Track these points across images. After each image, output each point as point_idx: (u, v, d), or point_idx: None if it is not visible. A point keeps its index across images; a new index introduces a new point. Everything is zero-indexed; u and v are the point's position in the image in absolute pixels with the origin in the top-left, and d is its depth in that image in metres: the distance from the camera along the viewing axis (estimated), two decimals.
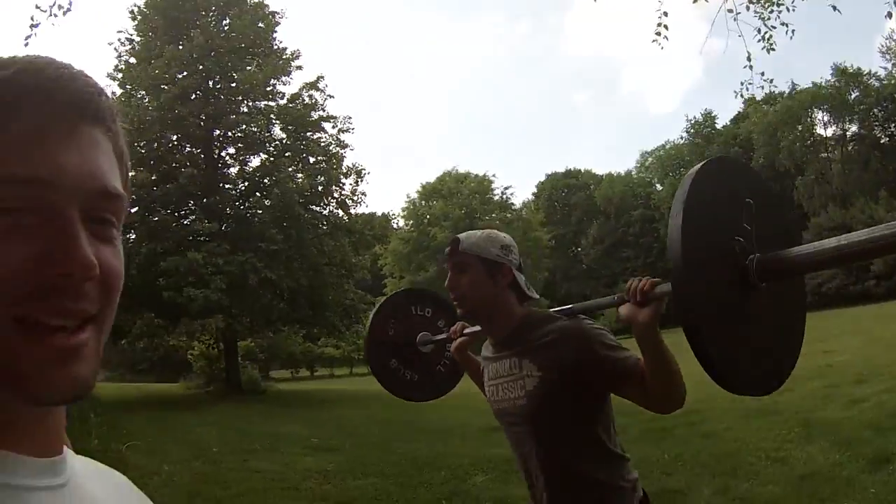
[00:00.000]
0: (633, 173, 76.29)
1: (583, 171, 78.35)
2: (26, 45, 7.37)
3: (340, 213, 23.46)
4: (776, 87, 9.35)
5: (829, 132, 58.44)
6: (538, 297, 2.57)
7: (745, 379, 1.92)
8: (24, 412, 0.63)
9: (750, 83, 9.03)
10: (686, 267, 1.73)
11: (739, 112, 65.61)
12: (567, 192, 75.80)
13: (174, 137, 21.50)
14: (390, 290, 49.44)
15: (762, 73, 8.94)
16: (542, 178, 79.03)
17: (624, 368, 2.25)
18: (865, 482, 6.04)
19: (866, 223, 41.55)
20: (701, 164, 1.83)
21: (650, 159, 74.66)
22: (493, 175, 58.38)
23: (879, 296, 40.17)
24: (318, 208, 22.89)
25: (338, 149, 23.27)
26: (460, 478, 8.12)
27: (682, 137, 69.21)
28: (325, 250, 21.50)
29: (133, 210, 20.33)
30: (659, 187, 70.76)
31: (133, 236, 20.02)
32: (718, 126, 66.31)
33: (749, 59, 8.35)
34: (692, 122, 70.57)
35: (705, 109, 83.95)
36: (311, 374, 45.18)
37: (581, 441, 2.40)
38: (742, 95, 9.32)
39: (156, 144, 20.77)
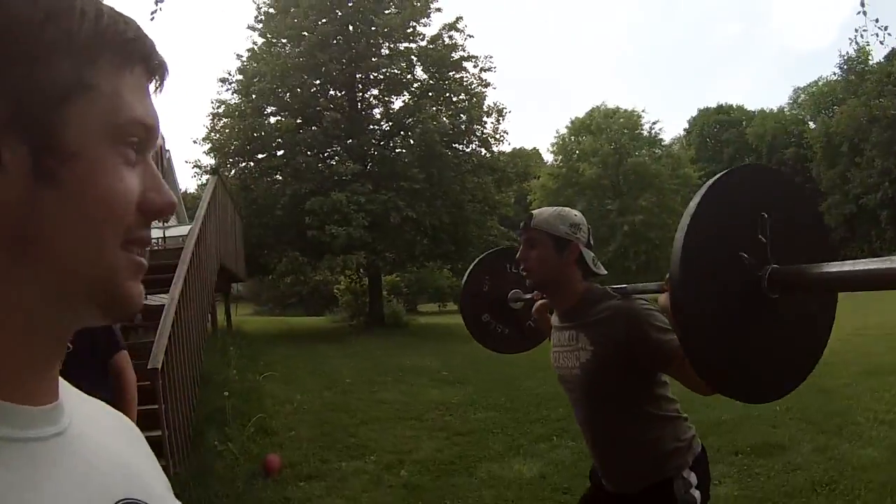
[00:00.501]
0: (785, 110, 72.81)
1: (734, 106, 75.52)
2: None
3: (483, 151, 23.60)
4: None
5: None
6: (605, 272, 2.71)
7: (739, 387, 1.96)
8: (39, 355, 0.66)
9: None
10: (683, 283, 1.77)
11: (893, 49, 61.51)
12: (719, 129, 73.25)
13: (317, 82, 21.98)
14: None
15: None
16: (694, 114, 76.89)
17: (669, 350, 2.34)
18: None
19: None
20: (719, 175, 1.85)
21: (802, 96, 70.87)
22: (643, 110, 57.08)
23: None
24: (460, 147, 23.04)
25: (480, 88, 23.35)
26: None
27: (834, 74, 65.36)
28: (468, 188, 21.77)
29: (279, 153, 21.15)
30: (812, 125, 67.43)
31: (279, 178, 20.90)
32: (871, 63, 62.32)
33: None
34: (845, 57, 66.78)
35: (858, 45, 78.99)
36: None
37: (630, 409, 2.57)
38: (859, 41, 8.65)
39: (299, 90, 21.30)
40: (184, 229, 14.62)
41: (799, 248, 1.91)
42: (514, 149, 68.27)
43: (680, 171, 49.02)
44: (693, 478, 2.53)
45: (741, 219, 1.83)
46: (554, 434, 7.43)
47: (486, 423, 8.13)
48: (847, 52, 62.26)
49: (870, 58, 61.44)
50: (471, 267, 3.44)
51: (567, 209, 2.68)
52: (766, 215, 1.82)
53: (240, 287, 46.75)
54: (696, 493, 2.53)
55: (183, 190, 29.81)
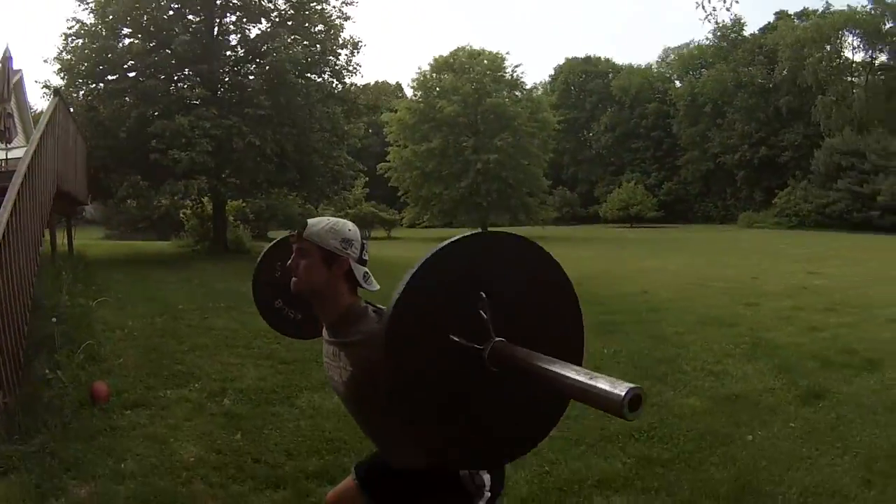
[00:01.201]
0: (653, 67, 75.09)
1: (603, 59, 77.23)
2: None
3: (335, 82, 23.42)
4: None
5: (858, 58, 56.83)
6: (377, 288, 2.67)
7: (458, 458, 2.05)
8: None
9: None
10: (392, 354, 1.84)
11: (769, 23, 64.27)
12: (584, 78, 74.88)
13: (175, 6, 21.30)
14: (393, 158, 50.01)
15: None
16: (561, 62, 78.18)
17: None
18: (789, 414, 6.10)
19: (879, 153, 40.95)
20: (445, 243, 1.86)
21: (672, 56, 73.34)
22: (507, 53, 57.36)
23: (881, 227, 39.88)
24: (312, 76, 22.72)
25: (339, 20, 23.02)
26: None
27: (707, 39, 67.68)
28: (316, 117, 21.57)
29: (130, 75, 20.38)
30: (678, 84, 69.84)
31: (127, 100, 20.11)
32: (746, 34, 64.90)
33: None
34: (720, 24, 69.15)
35: (734, 15, 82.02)
36: None
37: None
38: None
39: (156, 13, 20.63)
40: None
41: (543, 318, 2.01)
42: (376, 82, 67.79)
43: (539, 114, 49.84)
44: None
45: (460, 295, 1.87)
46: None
47: (311, 352, 8.11)
48: (723, 21, 64.53)
49: (744, 28, 63.92)
50: (262, 253, 3.39)
51: (342, 223, 2.68)
52: (483, 295, 1.87)
53: (91, 211, 45.17)
54: (486, 476, 2.61)
55: (35, 111, 28.31)
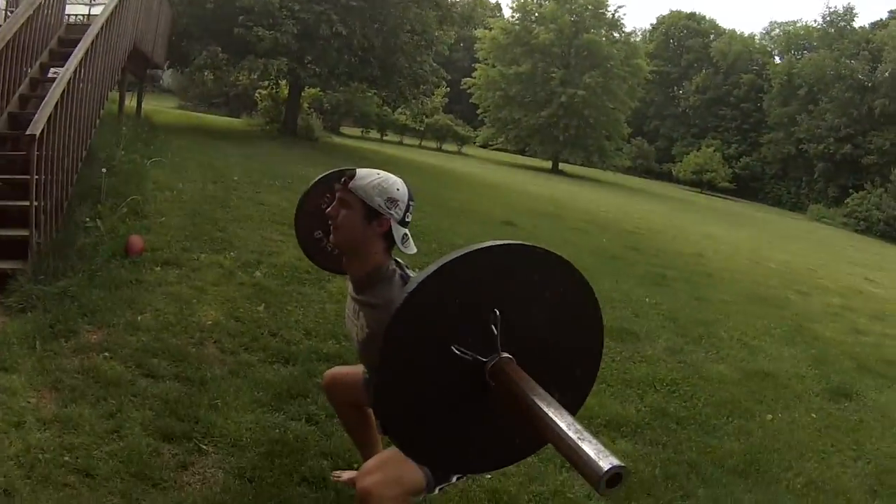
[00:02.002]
0: (755, 38, 72.90)
1: (707, 18, 75.27)
2: None
3: None
4: None
5: None
6: (414, 251, 2.61)
7: (452, 461, 2.02)
8: None
9: None
10: (385, 373, 1.79)
11: (880, 19, 61.77)
12: (685, 34, 73.00)
13: None
14: (479, 75, 49.59)
15: None
16: (665, 13, 76.37)
17: None
18: (813, 404, 5.94)
19: None
20: (454, 256, 1.76)
21: (777, 30, 71.08)
22: None
23: None
24: None
25: None
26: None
27: (815, 21, 65.46)
28: (408, 18, 21.19)
29: None
30: (777, 60, 67.79)
31: None
32: (855, 25, 62.55)
33: None
34: (831, 10, 66.86)
35: (848, 3, 79.34)
36: (381, 137, 45.11)
37: None
38: None
39: None
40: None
41: (561, 336, 1.95)
42: None
43: (633, 60, 48.85)
44: None
45: (476, 300, 1.80)
46: (423, 264, 7.46)
47: None
48: (834, 7, 62.40)
49: (854, 18, 61.68)
50: (312, 183, 3.33)
51: (392, 180, 2.59)
52: (497, 312, 1.79)
53: (168, 80, 45.55)
54: None
55: None
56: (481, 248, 1.76)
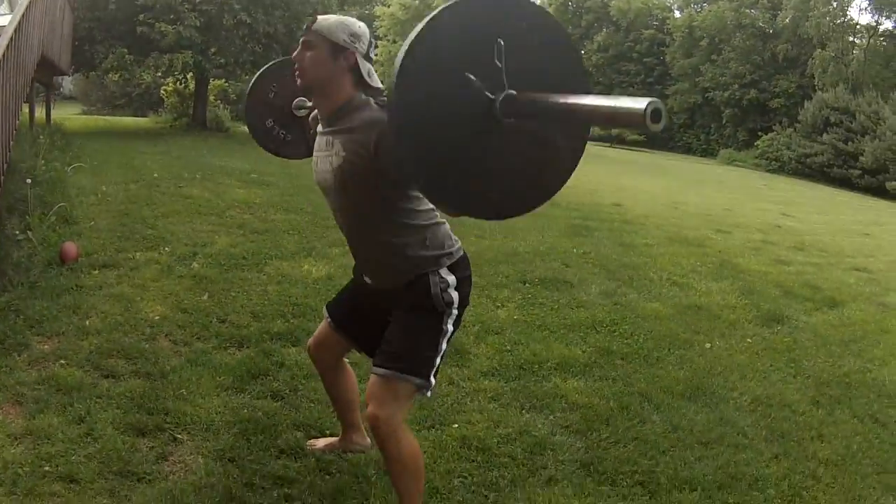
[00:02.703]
0: None
1: None
2: None
3: None
4: None
5: (864, 20, 56.04)
6: (380, 86, 2.70)
7: (471, 202, 2.09)
8: None
9: None
10: (406, 107, 1.87)
11: None
12: None
13: None
14: (381, 53, 49.29)
15: None
16: None
17: None
18: (747, 331, 6.24)
19: (868, 115, 40.67)
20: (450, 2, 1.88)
21: None
22: None
23: (858, 186, 39.71)
24: None
25: None
26: None
27: None
28: (311, 1, 20.96)
29: None
30: (677, 14, 68.90)
31: None
32: None
33: None
34: None
35: None
36: None
37: (378, 216, 2.71)
38: None
39: None
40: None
41: (548, 76, 2.01)
42: None
43: None
44: (451, 279, 2.75)
45: (477, 44, 1.90)
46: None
47: (284, 224, 8.21)
48: None
49: None
50: (257, 74, 3.43)
51: (352, 20, 2.68)
52: (501, 42, 1.89)
53: (70, 86, 44.33)
54: (454, 294, 2.75)
55: None
56: None
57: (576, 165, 2.19)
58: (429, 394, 2.80)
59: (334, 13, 21.62)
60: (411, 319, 2.76)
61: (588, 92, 2.09)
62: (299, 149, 3.46)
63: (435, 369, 2.77)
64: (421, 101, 1.89)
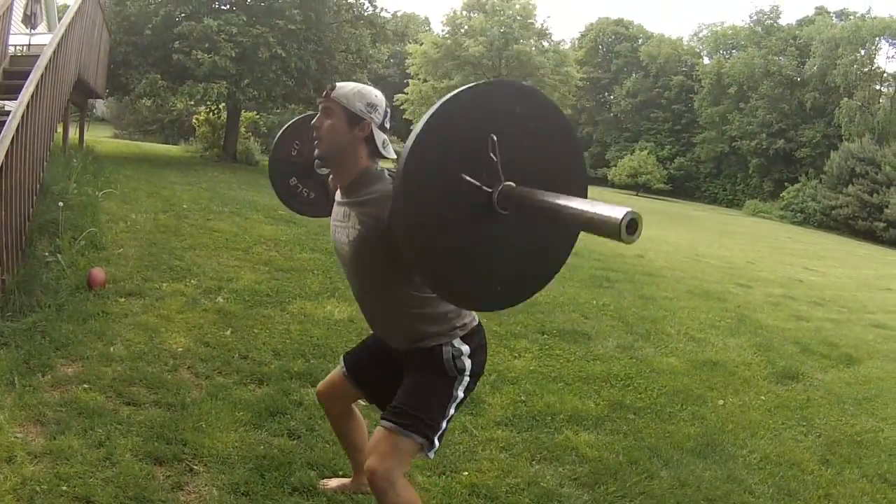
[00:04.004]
0: (684, 40, 74.33)
1: (635, 23, 76.49)
2: None
3: (366, 4, 23.19)
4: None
5: (891, 69, 56.06)
6: (393, 156, 2.72)
7: (476, 297, 2.22)
8: None
9: None
10: (407, 201, 1.95)
11: (807, 16, 63.58)
12: (614, 39, 74.09)
13: None
14: (412, 91, 49.96)
15: None
16: (594, 20, 77.53)
17: None
18: (762, 388, 6.29)
19: (893, 166, 40.49)
20: (450, 95, 1.96)
21: (705, 31, 72.47)
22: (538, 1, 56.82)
23: (883, 239, 39.65)
24: None
25: None
26: None
27: (743, 21, 67.01)
28: (343, 37, 21.44)
29: None
30: (706, 60, 69.08)
31: None
32: (782, 22, 64.15)
33: None
34: (758, 10, 68.62)
35: (773, 4, 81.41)
36: None
37: (393, 288, 2.79)
38: None
39: None
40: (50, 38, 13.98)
41: (549, 165, 2.13)
42: (404, 13, 67.32)
43: (563, 68, 49.68)
44: (465, 348, 2.82)
45: (474, 138, 1.99)
46: None
47: (309, 263, 8.33)
48: (760, 9, 63.72)
49: (780, 16, 63.09)
50: (280, 131, 3.47)
51: (369, 88, 2.77)
52: (494, 137, 1.98)
53: (103, 109, 44.94)
54: (467, 361, 2.82)
55: (61, 3, 28.07)
56: (466, 88, 1.98)
57: (569, 254, 2.29)
58: (431, 455, 2.83)
59: (366, 50, 22.16)
60: (423, 380, 2.83)
61: (581, 172, 2.25)
62: (322, 209, 3.48)
63: (441, 432, 2.82)
64: (425, 202, 1.99)
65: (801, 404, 6.01)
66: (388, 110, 2.82)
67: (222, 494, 3.45)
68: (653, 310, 8.76)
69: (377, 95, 2.77)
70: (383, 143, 2.76)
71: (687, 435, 4.91)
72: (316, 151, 2.80)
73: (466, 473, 3.92)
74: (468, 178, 1.98)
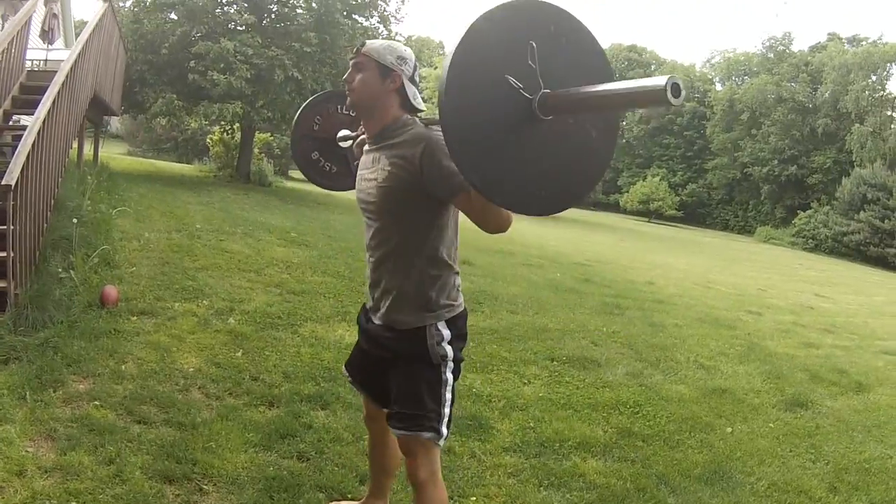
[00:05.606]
0: (696, 67, 74.64)
1: (648, 50, 76.87)
2: None
3: (381, 27, 23.34)
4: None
5: None
6: (423, 108, 2.88)
7: (527, 199, 2.24)
8: None
9: None
10: (451, 107, 2.01)
11: (819, 42, 63.79)
12: (627, 65, 74.41)
13: None
14: (426, 114, 49.59)
15: None
16: (606, 47, 77.75)
17: (456, 182, 2.54)
18: (770, 415, 6.28)
19: None
20: (484, 12, 2.04)
21: (718, 58, 72.85)
22: None
23: (894, 266, 39.67)
24: (359, 19, 22.68)
25: None
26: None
27: (755, 47, 67.29)
28: None
29: None
30: (718, 87, 69.28)
31: (173, 16, 20.19)
32: (794, 49, 64.35)
33: None
34: (770, 36, 68.80)
35: (786, 29, 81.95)
36: None
37: (413, 238, 2.81)
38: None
39: None
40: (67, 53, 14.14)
41: (580, 76, 2.17)
42: (419, 37, 67.75)
43: None
44: (446, 332, 2.84)
45: (513, 48, 2.07)
46: None
47: (320, 286, 8.35)
48: (773, 36, 63.93)
49: (792, 42, 63.27)
50: (301, 108, 3.56)
51: (398, 43, 2.85)
52: (533, 44, 2.07)
53: (117, 126, 45.31)
54: (448, 348, 2.84)
55: (78, 19, 28.40)
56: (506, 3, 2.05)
57: (611, 156, 2.38)
58: (442, 442, 2.87)
59: None
60: (410, 375, 2.86)
61: (609, 72, 2.34)
62: (344, 181, 3.56)
63: (446, 419, 2.85)
64: (469, 107, 2.05)
65: (809, 432, 6.00)
66: (417, 64, 2.91)
67: None
68: (662, 337, 8.75)
69: (406, 50, 2.85)
70: (413, 94, 2.84)
71: (695, 462, 4.90)
72: (348, 101, 2.88)
73: (474, 499, 3.92)
74: (511, 79, 2.04)
